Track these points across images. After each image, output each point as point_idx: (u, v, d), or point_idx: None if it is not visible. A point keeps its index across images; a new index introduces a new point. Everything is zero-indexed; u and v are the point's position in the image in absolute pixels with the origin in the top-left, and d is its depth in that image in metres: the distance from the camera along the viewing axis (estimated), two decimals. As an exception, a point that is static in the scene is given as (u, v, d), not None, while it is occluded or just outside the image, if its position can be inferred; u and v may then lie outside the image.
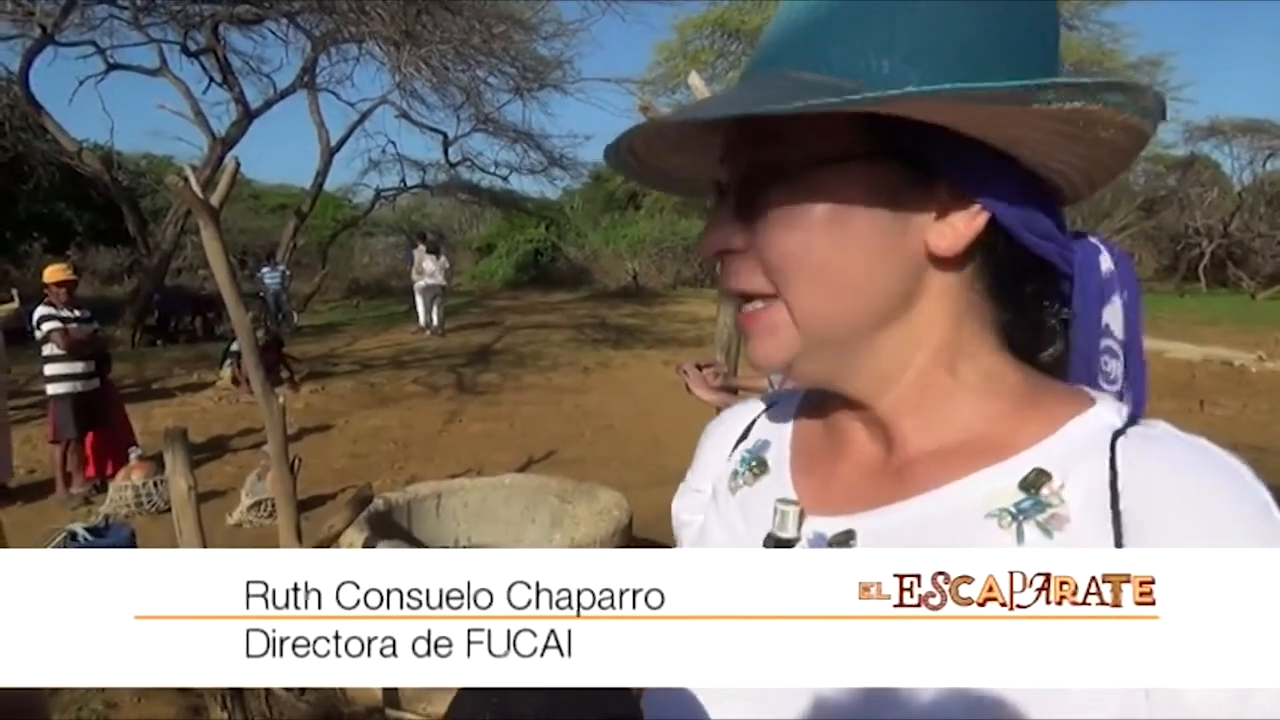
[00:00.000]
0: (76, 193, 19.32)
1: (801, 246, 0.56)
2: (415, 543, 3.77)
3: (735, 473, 0.72)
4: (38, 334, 6.46)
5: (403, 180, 22.68)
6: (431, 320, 15.40)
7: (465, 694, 0.61)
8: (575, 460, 7.17)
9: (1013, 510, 0.54)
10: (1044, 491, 0.54)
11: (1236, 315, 16.76)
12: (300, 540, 3.83)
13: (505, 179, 22.54)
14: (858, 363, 0.60)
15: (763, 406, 0.78)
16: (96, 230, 20.71)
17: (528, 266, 27.24)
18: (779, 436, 0.72)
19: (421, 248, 16.09)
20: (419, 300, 15.59)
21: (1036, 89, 0.49)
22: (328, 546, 3.06)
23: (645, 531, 4.70)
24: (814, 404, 0.71)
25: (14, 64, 13.97)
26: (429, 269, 15.30)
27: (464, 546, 3.91)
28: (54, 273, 6.70)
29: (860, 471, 0.63)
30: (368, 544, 3.39)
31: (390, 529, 3.81)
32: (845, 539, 0.60)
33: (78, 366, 6.49)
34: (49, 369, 6.47)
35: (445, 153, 20.68)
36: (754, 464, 0.71)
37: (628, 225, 27.73)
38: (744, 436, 0.76)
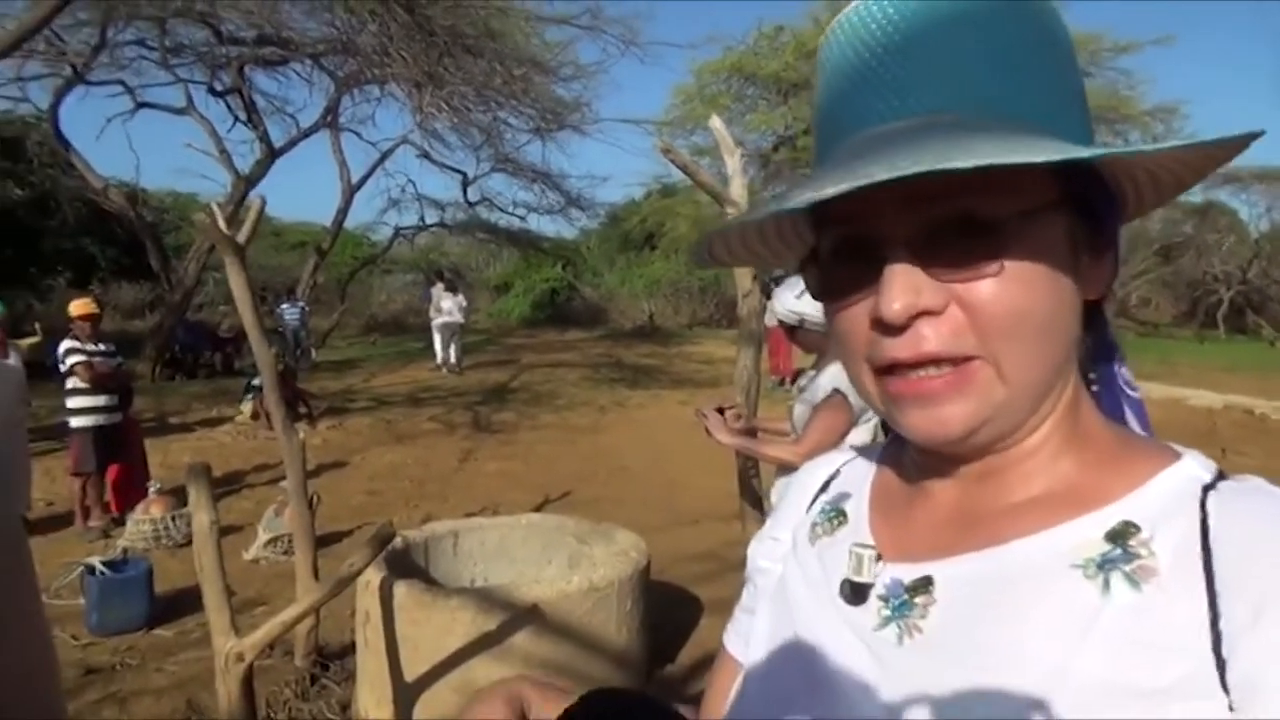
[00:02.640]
0: (102, 228, 19.60)
1: (1028, 302, 0.54)
2: (432, 581, 3.75)
3: (815, 524, 0.72)
4: (62, 367, 6.52)
5: (422, 218, 22.94)
6: (449, 358, 15.47)
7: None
8: (591, 500, 7.14)
9: (1098, 561, 0.53)
10: (1132, 543, 0.53)
11: (1256, 363, 16.63)
12: (317, 577, 3.82)
13: (523, 218, 22.79)
14: (1026, 420, 0.59)
15: (844, 459, 0.78)
16: (120, 265, 20.97)
17: (544, 305, 27.38)
18: (859, 488, 0.72)
19: (440, 285, 16.20)
20: (436, 337, 15.68)
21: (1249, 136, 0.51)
22: (347, 584, 3.05)
23: (662, 574, 4.66)
24: (894, 454, 0.71)
25: (45, 102, 14.29)
26: (446, 307, 15.40)
27: (480, 586, 3.88)
28: (78, 306, 6.78)
29: (940, 519, 0.63)
30: (385, 582, 3.37)
31: (408, 567, 3.79)
32: (923, 585, 0.59)
33: (100, 400, 6.53)
34: (71, 402, 6.52)
35: (464, 192, 20.95)
36: (834, 515, 0.71)
37: (644, 265, 27.88)
38: (824, 488, 0.76)
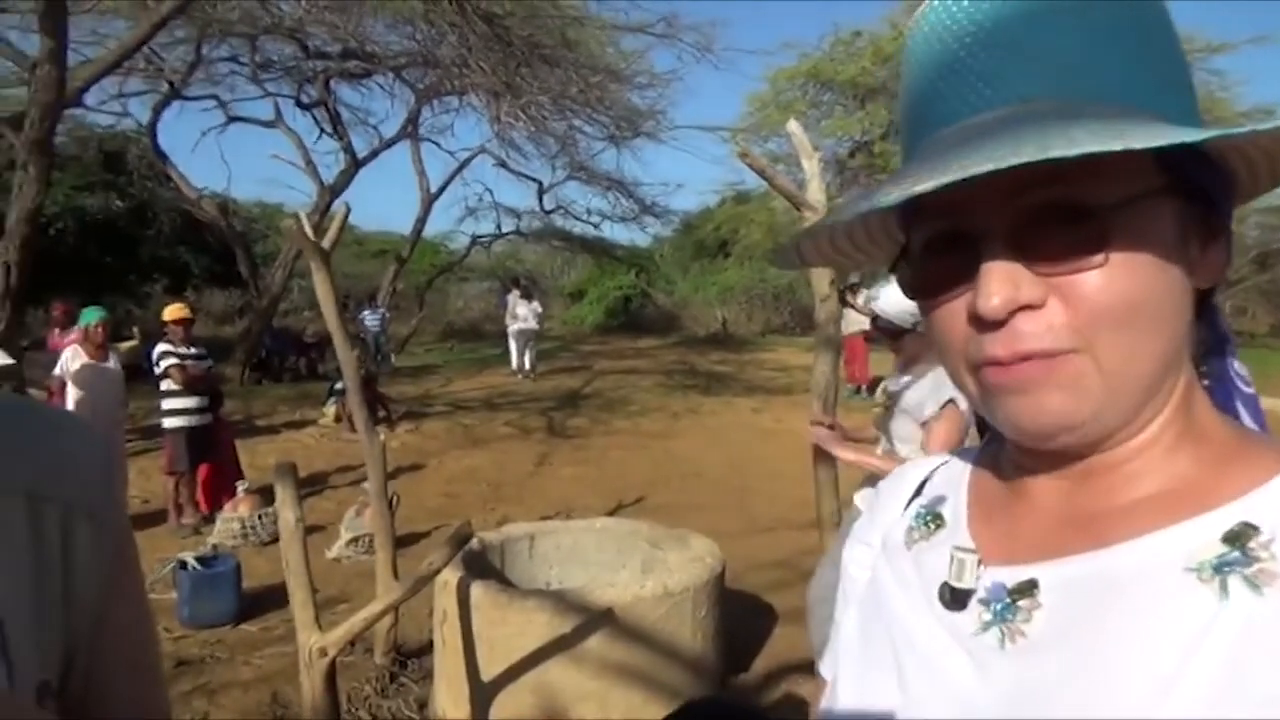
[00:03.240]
0: (195, 237, 20.43)
1: (1134, 293, 0.52)
2: (507, 583, 3.79)
3: (910, 528, 0.70)
4: (157, 370, 6.80)
5: (498, 226, 23.37)
6: (524, 364, 15.66)
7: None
8: (664, 506, 7.13)
9: (1215, 564, 0.51)
10: (1251, 545, 0.51)
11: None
12: (396, 576, 3.90)
13: (597, 226, 23.00)
14: (1132, 415, 0.56)
15: (937, 462, 0.76)
16: (212, 273, 21.81)
17: (617, 312, 27.52)
18: (955, 491, 0.70)
19: (515, 293, 16.44)
20: (512, 344, 15.89)
21: None
22: (426, 583, 3.10)
23: (737, 582, 4.63)
24: (992, 454, 0.69)
25: (144, 117, 15.00)
26: (522, 314, 15.60)
27: (555, 588, 3.91)
28: (173, 312, 7.09)
29: (1045, 521, 0.60)
30: (462, 583, 3.42)
31: (484, 568, 3.84)
32: (1027, 588, 0.57)
33: (193, 402, 6.80)
34: (166, 403, 6.80)
35: (540, 200, 21.24)
36: (930, 518, 0.69)
37: (717, 272, 27.83)
38: (918, 492, 0.74)
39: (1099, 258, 0.52)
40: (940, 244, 0.56)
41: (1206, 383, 0.63)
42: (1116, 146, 0.45)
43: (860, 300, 12.35)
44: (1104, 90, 0.53)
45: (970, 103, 0.55)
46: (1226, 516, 0.52)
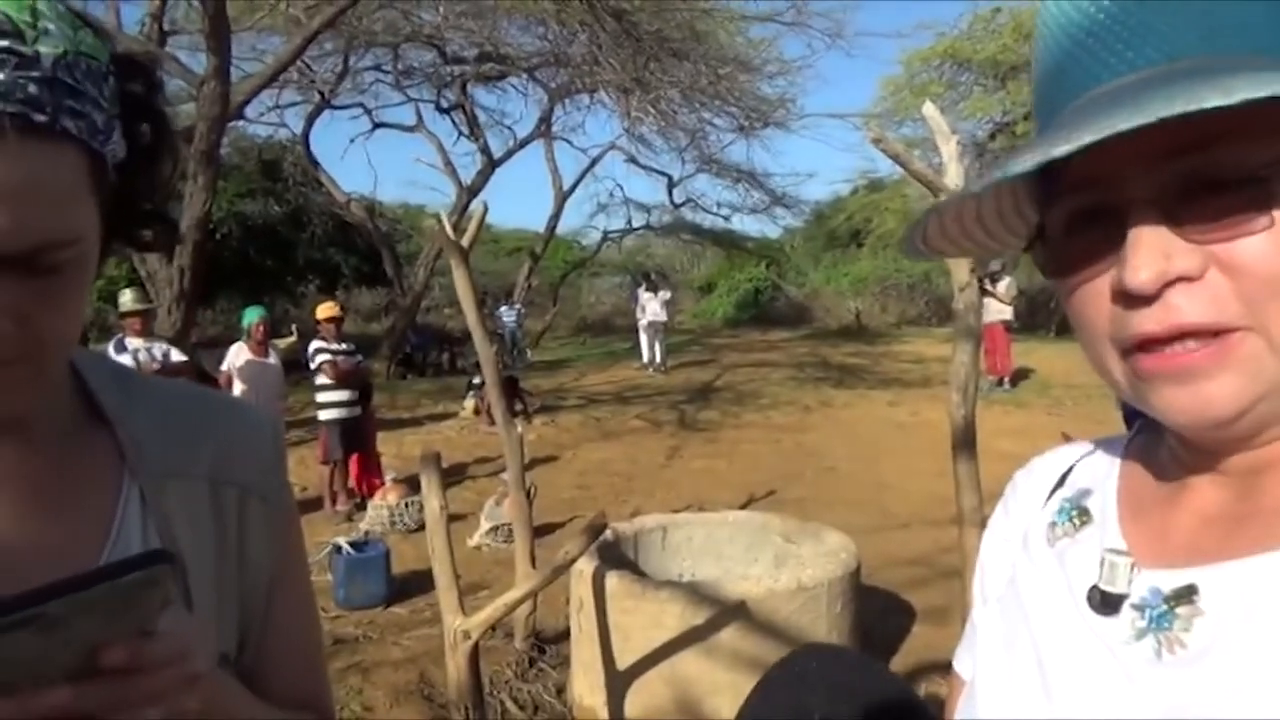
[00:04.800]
0: (344, 239, 21.56)
1: None
2: (640, 573, 3.84)
3: (1053, 523, 0.67)
4: (312, 365, 7.23)
5: (629, 222, 23.68)
6: (654, 357, 15.79)
7: (762, 694, 0.61)
8: (796, 501, 7.06)
9: None
10: None
11: None
12: (534, 564, 4.02)
13: (727, 219, 22.96)
14: None
15: (1080, 451, 0.72)
16: (360, 273, 22.96)
17: (748, 305, 27.36)
18: (1103, 484, 0.66)
19: (644, 286, 16.59)
20: (643, 337, 16.04)
21: None
22: (563, 571, 3.19)
23: (872, 578, 4.54)
24: (1144, 446, 0.65)
25: (298, 126, 15.95)
26: (652, 308, 15.73)
27: (688, 580, 3.94)
28: (325, 310, 7.52)
29: (1203, 521, 0.56)
30: (597, 572, 3.49)
31: (618, 559, 3.91)
32: (1186, 594, 0.53)
33: (344, 395, 7.19)
34: (320, 397, 7.22)
35: (670, 194, 21.38)
36: (1075, 513, 0.66)
37: (850, 263, 27.25)
38: (1060, 483, 0.70)
39: (1263, 221, 0.47)
40: (1082, 220, 0.53)
41: None
42: (1245, 95, 0.41)
43: (1001, 288, 11.85)
44: (1257, 46, 0.49)
45: (1111, 66, 0.52)
46: None
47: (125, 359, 5.73)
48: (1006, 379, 12.39)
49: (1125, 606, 0.56)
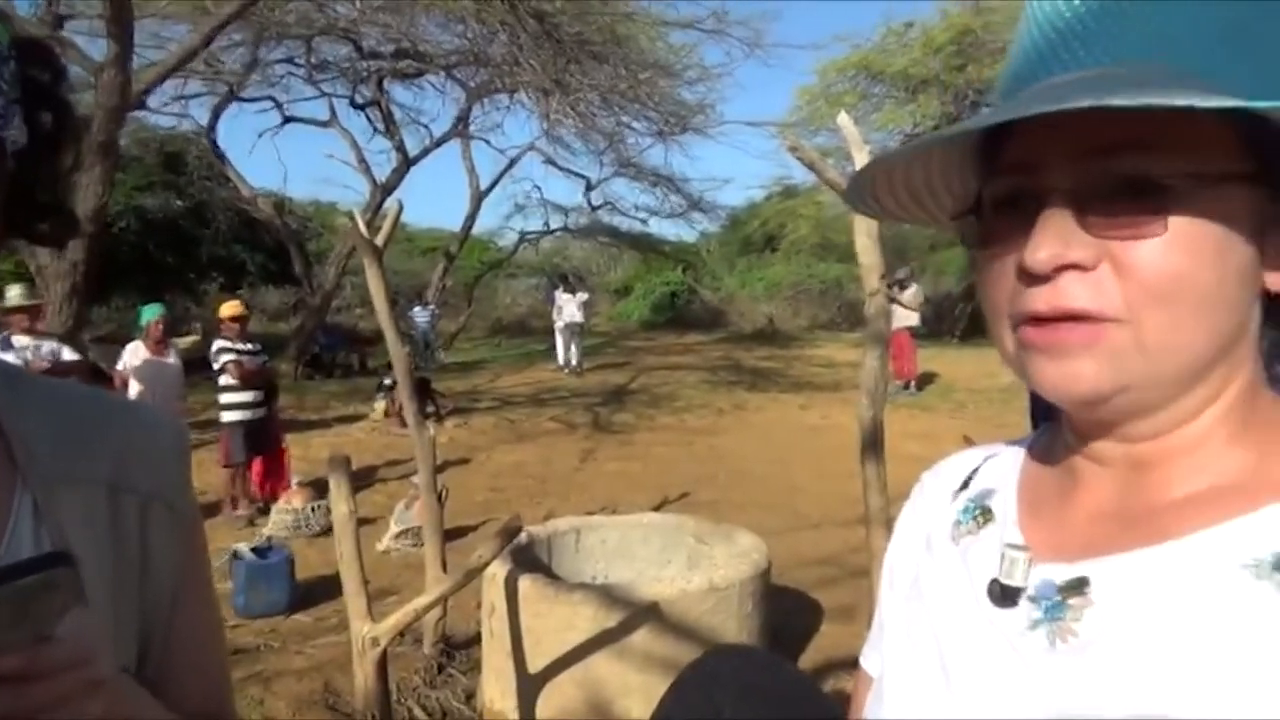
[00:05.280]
0: (251, 236, 20.89)
1: (1189, 270, 0.51)
2: (553, 576, 3.82)
3: (958, 521, 0.69)
4: (215, 365, 6.98)
5: (546, 223, 23.56)
6: (570, 359, 15.75)
7: (675, 695, 0.61)
8: (709, 503, 7.12)
9: (1274, 561, 0.50)
10: None
11: None
12: (445, 568, 3.96)
13: (644, 222, 23.05)
14: (1173, 402, 0.56)
15: (985, 454, 0.75)
16: (267, 271, 22.28)
17: (664, 308, 27.52)
18: (1004, 484, 0.69)
19: (562, 289, 16.54)
20: (559, 339, 15.99)
21: None
22: (476, 575, 3.15)
23: (782, 578, 4.61)
24: (1044, 446, 0.68)
25: (203, 118, 15.38)
26: (569, 309, 15.68)
27: (602, 583, 3.93)
28: (228, 309, 7.27)
29: (1096, 517, 0.59)
30: (510, 576, 3.46)
31: (531, 562, 3.88)
32: (1078, 586, 0.56)
33: (248, 396, 6.96)
34: (223, 398, 6.97)
35: (587, 196, 21.33)
36: (978, 512, 0.68)
37: (764, 268, 27.68)
38: (965, 484, 0.73)
39: (1159, 228, 0.51)
40: (1007, 202, 0.56)
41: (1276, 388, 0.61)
42: (1179, 103, 0.45)
43: (907, 295, 12.20)
44: (1197, 64, 0.52)
45: (1064, 62, 0.56)
46: None
47: (10, 357, 5.46)
48: (912, 383, 12.75)
49: (1022, 599, 0.59)
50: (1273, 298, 0.56)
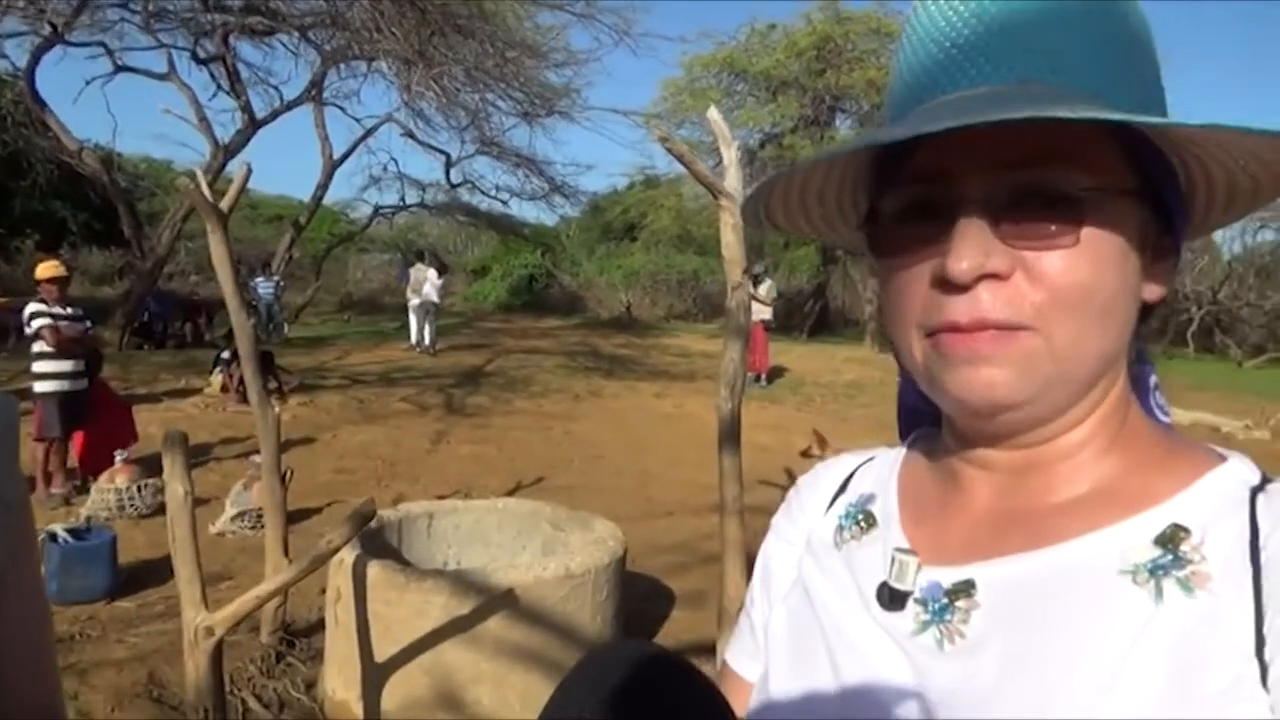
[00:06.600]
0: (74, 191, 19.23)
1: (1096, 280, 0.54)
2: (404, 562, 3.70)
3: (839, 527, 0.70)
4: (27, 330, 6.38)
5: (402, 198, 22.75)
6: (423, 338, 15.34)
7: (561, 696, 0.58)
8: (565, 488, 7.10)
9: (1149, 567, 0.52)
10: (1183, 548, 0.52)
11: (1224, 382, 16.87)
12: (287, 553, 3.77)
13: (505, 203, 22.64)
14: (1070, 407, 0.57)
15: (858, 460, 0.76)
16: (91, 230, 20.62)
17: (522, 291, 27.26)
18: (884, 489, 0.70)
19: (419, 265, 16.07)
20: (412, 318, 15.54)
21: None
22: (324, 561, 3.00)
23: (636, 564, 4.65)
24: (923, 452, 0.69)
25: (21, 60, 13.98)
26: (427, 288, 15.26)
27: (454, 569, 3.84)
28: (46, 269, 6.63)
29: (980, 521, 0.61)
30: (358, 561, 3.32)
31: (381, 547, 3.75)
32: (964, 589, 0.57)
33: (66, 365, 6.40)
34: (37, 366, 6.38)
35: (447, 173, 20.76)
36: (860, 517, 0.69)
37: (623, 256, 27.87)
38: (842, 489, 0.74)
39: (1070, 239, 0.53)
40: (917, 210, 0.57)
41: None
42: (1088, 115, 0.48)
43: (762, 290, 12.55)
44: (1092, 85, 0.54)
45: (970, 76, 0.56)
46: (1157, 518, 0.54)
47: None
48: (763, 376, 13.14)
49: (910, 601, 0.60)
50: (1144, 309, 0.60)
